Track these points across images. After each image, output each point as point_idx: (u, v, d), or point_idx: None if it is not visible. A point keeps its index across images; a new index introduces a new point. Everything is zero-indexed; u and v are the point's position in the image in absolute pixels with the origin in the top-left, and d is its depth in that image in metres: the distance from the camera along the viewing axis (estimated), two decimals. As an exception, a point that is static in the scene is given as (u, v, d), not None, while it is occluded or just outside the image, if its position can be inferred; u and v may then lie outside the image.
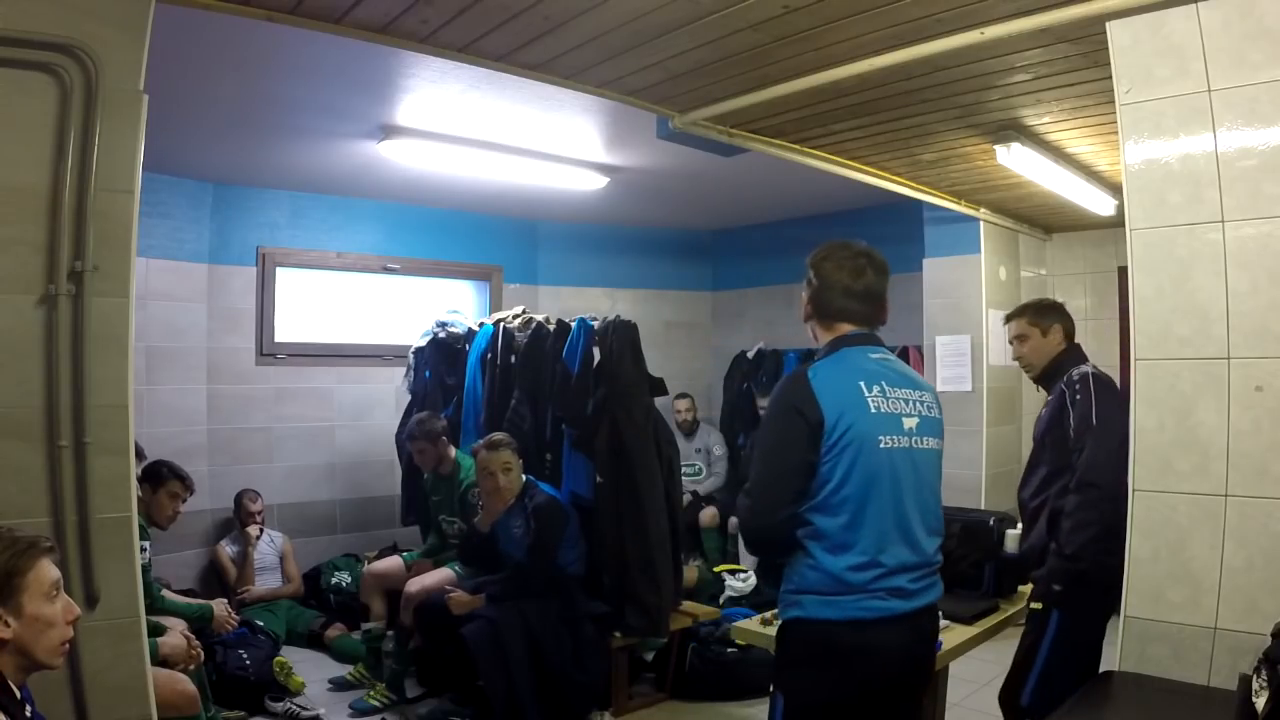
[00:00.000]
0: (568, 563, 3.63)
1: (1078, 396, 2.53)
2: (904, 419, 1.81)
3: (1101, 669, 2.16)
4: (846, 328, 1.89)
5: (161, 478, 3.39)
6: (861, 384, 1.79)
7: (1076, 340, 2.76)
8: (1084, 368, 2.61)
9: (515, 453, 3.62)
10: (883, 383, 1.82)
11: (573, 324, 3.85)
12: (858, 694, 1.78)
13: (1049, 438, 2.62)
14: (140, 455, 3.24)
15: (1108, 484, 2.34)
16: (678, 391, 5.86)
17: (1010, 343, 2.84)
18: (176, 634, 2.95)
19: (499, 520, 3.68)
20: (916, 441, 1.82)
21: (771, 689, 1.88)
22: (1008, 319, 2.84)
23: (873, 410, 1.77)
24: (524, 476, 3.67)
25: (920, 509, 1.82)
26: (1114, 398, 2.51)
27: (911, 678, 1.89)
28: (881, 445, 1.76)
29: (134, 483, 1.99)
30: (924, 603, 1.83)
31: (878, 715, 1.83)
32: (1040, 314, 2.75)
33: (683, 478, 4.75)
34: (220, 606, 3.44)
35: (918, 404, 1.86)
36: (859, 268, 1.88)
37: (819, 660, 1.77)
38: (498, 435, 3.67)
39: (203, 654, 3.08)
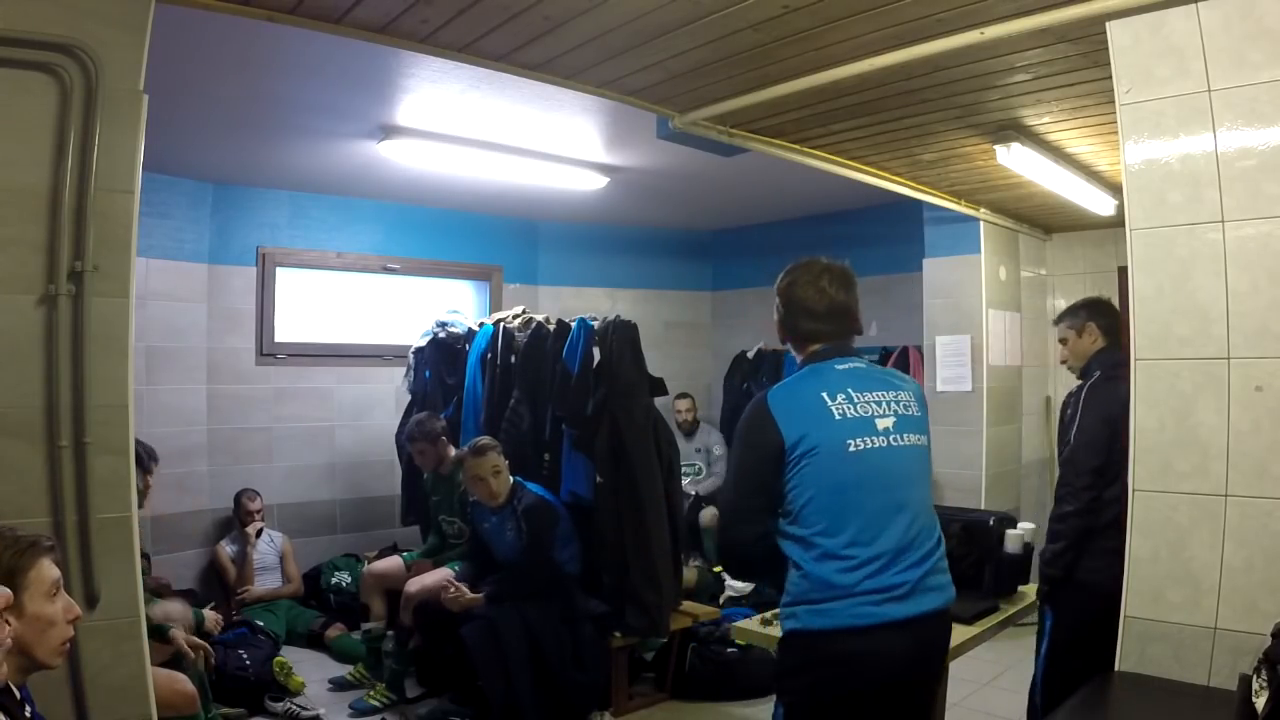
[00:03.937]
0: (563, 561, 3.63)
1: (1070, 407, 2.69)
2: (877, 420, 1.86)
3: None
4: (817, 346, 1.97)
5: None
6: (824, 395, 1.85)
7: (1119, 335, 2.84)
8: (1095, 374, 2.72)
9: (501, 454, 3.61)
10: (849, 389, 1.87)
11: (573, 324, 3.85)
12: (854, 700, 1.79)
13: (1060, 441, 2.78)
14: (153, 457, 3.24)
15: (1077, 507, 2.54)
16: (678, 391, 5.85)
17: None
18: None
19: (491, 525, 3.69)
20: (895, 440, 1.86)
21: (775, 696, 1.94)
22: (1055, 323, 3.02)
23: (837, 417, 1.82)
24: (511, 478, 3.65)
25: (907, 506, 1.84)
26: (1099, 410, 2.58)
27: (913, 680, 1.88)
28: (850, 449, 1.80)
29: (134, 483, 1.99)
30: (926, 609, 1.80)
31: (882, 716, 1.83)
32: (1074, 315, 2.89)
33: (683, 478, 4.75)
34: (208, 612, 3.52)
35: (893, 404, 1.90)
36: (820, 289, 1.94)
37: (815, 670, 1.81)
38: (482, 440, 3.65)
39: (212, 653, 3.12)
